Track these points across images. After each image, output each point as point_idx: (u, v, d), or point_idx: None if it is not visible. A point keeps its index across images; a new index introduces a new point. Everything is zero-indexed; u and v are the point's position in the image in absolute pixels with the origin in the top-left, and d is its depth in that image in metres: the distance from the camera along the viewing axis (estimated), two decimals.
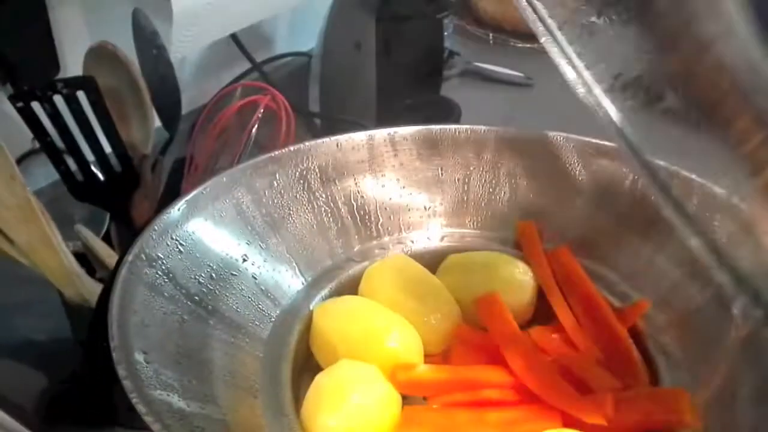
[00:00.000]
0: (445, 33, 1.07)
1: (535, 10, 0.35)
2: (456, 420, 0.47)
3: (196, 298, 0.47)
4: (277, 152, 0.55)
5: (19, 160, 0.77)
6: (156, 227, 0.47)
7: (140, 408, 0.36)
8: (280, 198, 0.55)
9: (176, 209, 0.49)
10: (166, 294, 0.45)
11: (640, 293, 0.54)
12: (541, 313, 0.56)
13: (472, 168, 0.61)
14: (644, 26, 0.35)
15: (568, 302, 0.55)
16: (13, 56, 0.72)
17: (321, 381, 0.46)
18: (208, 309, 0.47)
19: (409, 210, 0.60)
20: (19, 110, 0.62)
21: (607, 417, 0.45)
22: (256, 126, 0.76)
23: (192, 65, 1.00)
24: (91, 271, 0.64)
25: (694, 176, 0.33)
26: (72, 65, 0.76)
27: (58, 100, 0.61)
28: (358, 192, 0.59)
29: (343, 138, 0.58)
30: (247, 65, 1.05)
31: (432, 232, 0.60)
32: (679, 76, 0.35)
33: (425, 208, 0.61)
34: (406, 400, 0.49)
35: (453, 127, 0.60)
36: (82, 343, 0.65)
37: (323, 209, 0.57)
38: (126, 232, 0.69)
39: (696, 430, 0.44)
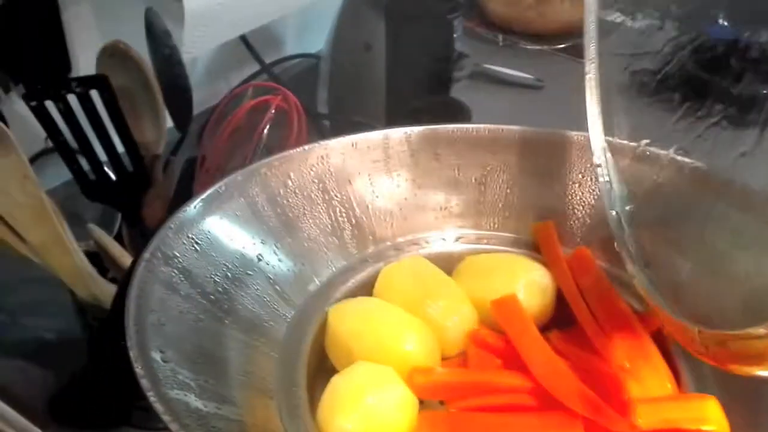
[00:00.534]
0: (455, 35, 1.07)
1: None
2: (473, 424, 0.46)
3: (212, 297, 0.46)
4: (291, 151, 0.55)
5: (32, 160, 0.76)
6: (172, 225, 0.46)
7: (158, 407, 0.35)
8: (295, 197, 0.54)
9: (192, 207, 0.48)
10: (182, 293, 0.45)
11: None
12: (559, 317, 0.55)
13: (489, 168, 0.60)
14: None
15: (589, 306, 0.54)
16: (26, 55, 0.72)
17: (337, 383, 0.46)
18: (224, 308, 0.47)
19: (424, 211, 0.60)
20: (33, 109, 0.61)
21: (632, 424, 0.44)
22: (267, 126, 0.75)
23: (202, 67, 1.00)
24: (103, 271, 0.64)
25: None
26: (84, 65, 0.76)
27: (71, 99, 0.61)
28: (373, 192, 0.58)
29: (359, 137, 0.57)
30: (256, 67, 1.04)
31: (448, 234, 0.60)
32: None
33: (441, 208, 0.60)
34: (422, 404, 0.48)
35: (470, 126, 0.60)
36: (91, 342, 0.65)
37: (338, 209, 0.56)
38: (137, 232, 0.69)
39: None
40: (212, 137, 0.78)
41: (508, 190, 0.60)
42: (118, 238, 0.69)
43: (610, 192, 0.53)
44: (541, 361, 0.48)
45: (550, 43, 1.31)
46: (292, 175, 0.54)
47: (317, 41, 1.08)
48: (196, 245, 0.47)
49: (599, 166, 0.54)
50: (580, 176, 0.59)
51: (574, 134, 0.60)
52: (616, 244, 0.51)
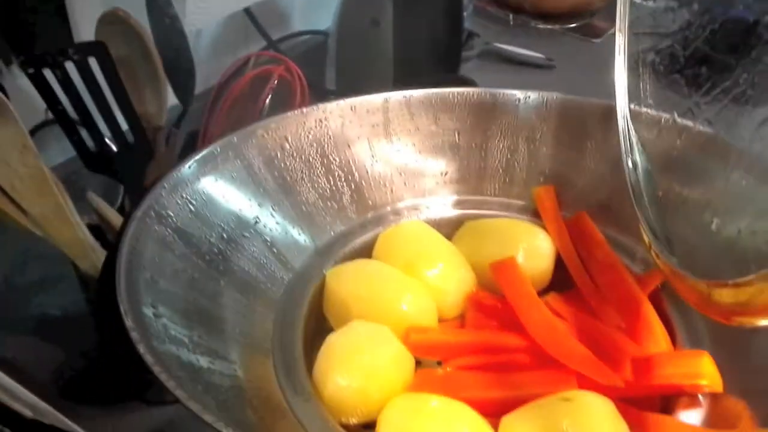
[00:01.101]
0: (465, 14, 1.06)
1: None
2: (469, 382, 0.46)
3: (207, 257, 0.46)
4: (288, 113, 0.54)
5: (33, 132, 0.76)
6: (166, 185, 0.46)
7: (148, 358, 0.35)
8: (293, 160, 0.54)
9: (187, 167, 0.48)
10: (176, 252, 0.45)
11: None
12: (558, 281, 0.55)
13: (489, 133, 0.60)
14: None
15: (587, 269, 0.54)
16: (26, 24, 0.72)
17: (333, 340, 0.46)
18: (219, 269, 0.47)
19: (424, 176, 0.59)
20: (31, 77, 0.61)
21: (624, 379, 0.44)
22: (269, 96, 0.75)
23: (207, 43, 0.99)
24: (105, 245, 0.64)
25: None
26: (85, 34, 0.76)
27: (70, 69, 0.61)
28: (373, 157, 0.57)
29: (358, 100, 0.57)
30: (263, 44, 1.04)
31: (448, 199, 0.59)
32: None
33: (442, 173, 0.59)
34: (420, 365, 0.48)
35: (471, 90, 0.59)
36: (94, 316, 0.65)
37: (337, 173, 0.56)
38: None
39: (715, 391, 0.43)
40: (215, 110, 0.78)
41: (509, 156, 0.60)
42: (121, 211, 0.69)
43: (630, 157, 0.52)
44: (538, 321, 0.48)
45: (561, 22, 1.30)
46: (289, 137, 0.54)
47: (325, 18, 1.08)
48: (190, 205, 0.47)
49: (621, 129, 0.53)
50: (580, 142, 0.59)
51: (576, 98, 0.59)
52: (635, 205, 0.51)
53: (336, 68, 1.03)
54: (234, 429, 0.33)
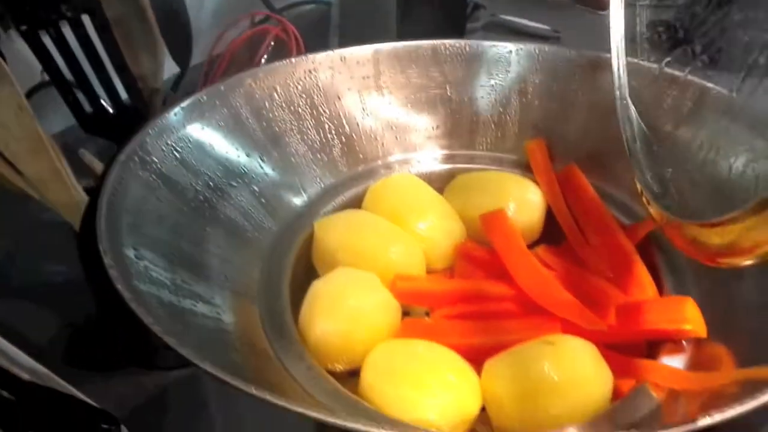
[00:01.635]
0: None
1: None
2: (455, 329, 0.46)
3: (193, 204, 0.46)
4: (277, 63, 0.54)
5: (29, 96, 0.76)
6: (150, 131, 0.46)
7: (126, 295, 0.35)
8: (282, 111, 0.54)
9: (172, 114, 0.48)
10: (160, 197, 0.45)
11: None
12: (549, 235, 0.55)
13: (482, 86, 0.59)
14: None
15: (577, 221, 0.54)
16: None
17: (318, 286, 0.46)
18: (205, 216, 0.47)
19: (416, 130, 0.59)
20: (24, 34, 0.61)
21: (607, 324, 0.44)
22: (266, 56, 0.75)
23: (209, 13, 0.99)
24: None
25: None
26: None
27: (65, 31, 0.60)
28: (364, 110, 0.57)
29: (348, 51, 0.56)
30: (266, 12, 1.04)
31: (439, 153, 0.59)
32: None
33: (433, 127, 0.59)
34: (408, 315, 0.48)
35: (462, 42, 0.58)
36: (89, 280, 0.65)
37: (326, 125, 0.56)
38: None
39: (699, 336, 0.43)
40: (210, 71, 0.78)
41: (501, 110, 0.59)
42: None
43: (626, 109, 0.52)
44: (525, 269, 0.48)
45: None
46: (278, 88, 0.54)
47: None
48: (176, 152, 0.47)
49: (618, 81, 0.53)
50: (573, 95, 0.58)
51: (570, 52, 0.59)
52: (627, 152, 0.50)
53: (339, 38, 1.03)
54: (211, 365, 0.33)
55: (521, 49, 0.59)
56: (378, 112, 0.58)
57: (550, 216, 0.55)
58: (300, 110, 0.54)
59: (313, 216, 0.53)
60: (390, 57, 0.58)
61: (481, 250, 0.51)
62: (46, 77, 0.64)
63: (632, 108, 0.52)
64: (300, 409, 0.30)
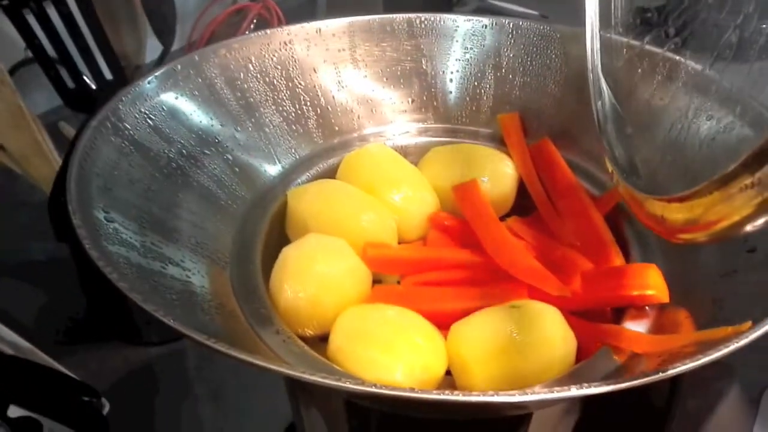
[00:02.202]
0: None
1: None
2: (424, 296, 0.47)
3: (165, 171, 0.47)
4: (252, 34, 0.54)
5: (12, 73, 0.77)
6: (123, 98, 0.46)
7: (93, 254, 0.36)
8: (256, 82, 0.54)
9: (146, 83, 0.48)
10: (132, 162, 0.45)
11: None
12: (520, 208, 0.55)
13: (457, 60, 0.60)
14: None
15: (548, 193, 0.54)
16: None
17: (288, 252, 0.46)
18: (178, 183, 0.47)
19: (391, 102, 0.59)
20: (4, 9, 0.61)
21: (572, 290, 0.44)
22: (248, 32, 0.75)
23: None
24: None
25: None
26: None
27: (48, 7, 0.61)
28: (339, 82, 0.58)
29: (323, 23, 0.57)
30: None
31: (414, 126, 0.59)
32: None
33: (409, 101, 0.60)
34: (379, 283, 0.49)
35: (437, 16, 0.59)
36: (74, 257, 0.66)
37: (302, 97, 0.56)
38: None
39: (662, 302, 0.43)
40: (192, 48, 0.78)
41: (476, 83, 0.60)
42: None
43: (598, 83, 0.53)
44: (494, 237, 0.48)
45: None
46: (253, 59, 0.54)
47: None
48: (149, 120, 0.47)
49: (591, 56, 0.53)
50: (546, 69, 0.59)
51: (544, 27, 0.59)
52: (598, 130, 0.51)
53: None
54: (175, 319, 0.33)
55: (496, 23, 0.59)
56: (353, 85, 0.58)
57: (522, 189, 0.55)
58: (275, 81, 0.55)
59: (287, 186, 0.53)
60: (365, 30, 0.58)
61: (453, 219, 0.52)
62: (30, 54, 0.65)
63: (604, 83, 0.53)
64: (257, 361, 0.31)
